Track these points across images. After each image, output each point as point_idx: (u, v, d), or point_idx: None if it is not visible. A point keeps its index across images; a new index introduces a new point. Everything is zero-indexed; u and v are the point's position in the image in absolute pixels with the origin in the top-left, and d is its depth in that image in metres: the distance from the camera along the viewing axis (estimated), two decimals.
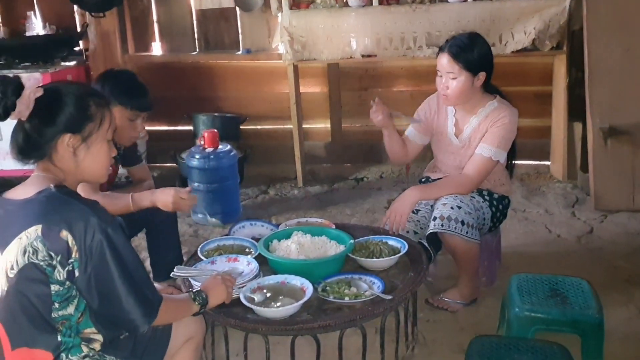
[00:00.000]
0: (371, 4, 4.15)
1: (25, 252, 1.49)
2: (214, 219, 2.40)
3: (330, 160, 4.94)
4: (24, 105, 1.52)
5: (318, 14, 4.18)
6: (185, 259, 2.86)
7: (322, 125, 4.95)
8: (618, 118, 3.79)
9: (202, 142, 3.84)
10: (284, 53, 4.25)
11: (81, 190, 1.90)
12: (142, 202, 2.42)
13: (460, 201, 2.57)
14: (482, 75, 2.63)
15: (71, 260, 1.48)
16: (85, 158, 1.61)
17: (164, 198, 2.40)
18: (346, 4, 4.19)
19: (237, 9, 4.72)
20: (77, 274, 1.50)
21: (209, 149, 3.79)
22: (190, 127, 4.76)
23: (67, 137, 1.57)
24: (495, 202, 2.73)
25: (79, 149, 1.60)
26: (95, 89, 1.71)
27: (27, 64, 4.37)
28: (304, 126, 4.65)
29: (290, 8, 4.18)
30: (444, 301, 2.69)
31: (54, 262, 1.48)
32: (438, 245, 2.71)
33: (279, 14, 4.27)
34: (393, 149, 2.83)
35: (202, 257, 2.27)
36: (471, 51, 2.58)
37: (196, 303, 1.71)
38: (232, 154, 3.86)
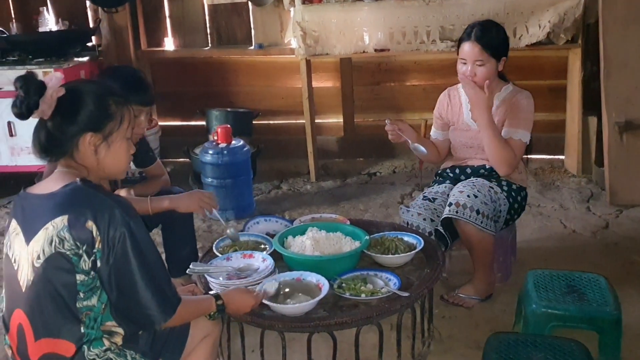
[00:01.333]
0: None
1: (52, 241, 1.52)
2: (231, 230, 2.43)
3: (342, 155, 4.93)
4: (47, 105, 1.55)
5: (331, 9, 4.16)
6: (200, 254, 2.88)
7: (334, 120, 4.95)
8: (634, 112, 3.75)
9: (216, 138, 3.84)
10: (296, 48, 4.24)
11: None
12: (161, 205, 2.46)
13: (478, 190, 2.57)
14: (503, 61, 2.69)
15: (95, 250, 1.51)
16: (106, 156, 1.64)
17: (190, 204, 2.47)
18: None
19: (250, 3, 4.70)
20: (99, 264, 1.52)
21: (222, 145, 3.79)
22: (203, 123, 4.77)
23: (89, 135, 1.61)
24: (513, 194, 2.72)
25: (100, 147, 1.63)
26: (115, 87, 1.72)
27: (40, 59, 4.40)
28: (316, 121, 4.64)
29: (303, 3, 4.17)
30: (459, 297, 2.68)
31: (80, 252, 1.51)
32: (455, 234, 2.70)
33: (292, 9, 4.26)
34: (425, 157, 2.89)
35: (218, 254, 2.28)
36: (496, 38, 2.66)
37: (214, 310, 1.73)
38: (245, 149, 3.87)
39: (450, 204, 2.55)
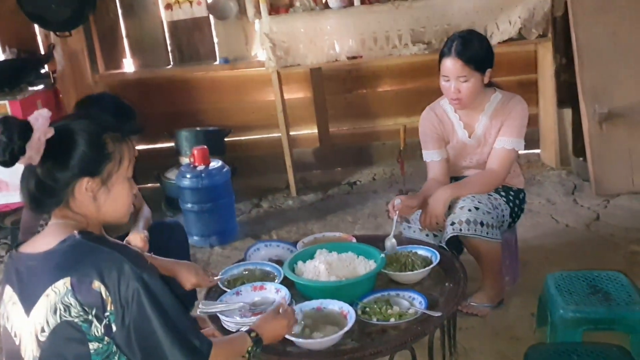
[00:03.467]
0: (352, 4, 4.04)
1: (56, 310, 1.33)
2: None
3: (320, 166, 4.82)
4: (35, 150, 1.34)
5: (299, 18, 4.05)
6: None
7: (309, 131, 4.83)
8: (611, 101, 3.77)
9: (192, 160, 3.67)
10: (266, 60, 4.11)
11: None
12: (159, 268, 2.16)
13: (479, 202, 2.49)
14: (489, 72, 2.57)
15: (107, 313, 1.33)
16: (107, 201, 1.46)
17: (186, 277, 2.07)
18: (327, 6, 4.08)
19: (211, 18, 4.55)
20: (114, 328, 1.34)
21: (200, 167, 3.62)
22: (171, 144, 4.58)
23: (85, 181, 1.42)
24: (512, 197, 2.66)
25: (99, 192, 1.44)
26: (110, 121, 1.52)
27: None
28: (290, 133, 4.52)
29: (270, 14, 4.04)
30: (472, 306, 2.60)
31: (90, 317, 1.33)
32: (458, 247, 2.62)
33: (257, 21, 4.13)
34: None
35: (224, 288, 2.12)
36: (478, 50, 2.52)
37: (250, 351, 1.56)
38: (224, 170, 3.70)
39: (453, 223, 2.46)
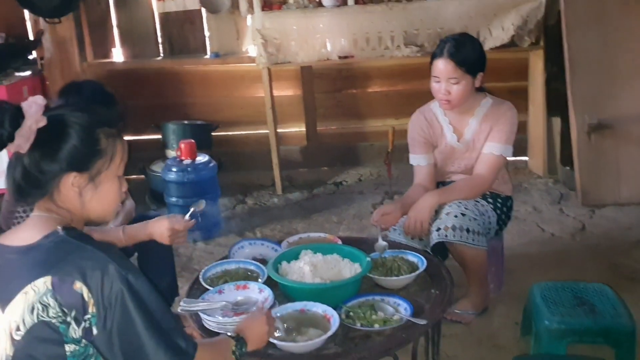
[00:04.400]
0: (346, 3, 4.02)
1: (33, 309, 1.27)
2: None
3: (306, 164, 4.78)
4: (24, 138, 1.29)
5: (291, 15, 4.01)
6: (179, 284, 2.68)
7: (296, 129, 4.79)
8: (600, 112, 3.78)
9: (179, 154, 3.62)
10: (257, 56, 4.07)
11: None
12: (137, 236, 2.11)
13: (465, 207, 2.48)
14: (480, 76, 2.56)
15: (87, 316, 1.28)
16: (92, 199, 1.39)
17: (159, 230, 2.09)
18: (320, 4, 4.05)
19: (203, 11, 4.50)
20: (95, 331, 1.29)
21: (187, 161, 3.57)
22: (157, 136, 4.52)
23: (72, 176, 1.35)
24: (499, 205, 2.65)
25: (86, 189, 1.38)
26: (107, 115, 1.45)
27: None
28: (278, 130, 4.48)
29: (262, 9, 4.00)
30: (456, 313, 2.59)
31: (68, 319, 1.28)
32: (444, 253, 2.61)
33: (249, 16, 4.10)
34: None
35: (207, 286, 2.08)
36: (470, 53, 2.51)
37: (235, 351, 1.52)
38: (211, 164, 3.66)
39: (439, 229, 2.44)
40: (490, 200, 2.63)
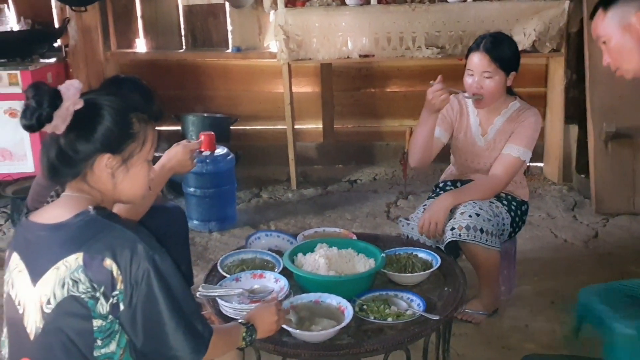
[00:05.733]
0: (369, 2, 4.04)
1: (64, 284, 1.33)
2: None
3: (322, 161, 4.82)
4: (62, 119, 1.34)
5: (314, 13, 4.05)
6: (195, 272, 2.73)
7: (313, 125, 4.83)
8: (619, 120, 3.77)
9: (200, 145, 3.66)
10: (278, 52, 4.11)
11: None
12: (160, 179, 2.14)
13: (480, 208, 2.50)
14: (512, 75, 2.61)
15: (115, 292, 1.33)
16: (124, 181, 1.45)
17: (180, 160, 2.14)
18: (343, 3, 4.08)
19: (227, 5, 4.54)
20: (121, 307, 1.34)
21: (207, 153, 3.61)
22: (177, 128, 4.58)
23: (106, 157, 1.40)
24: (514, 207, 2.67)
25: (118, 170, 1.43)
26: (139, 101, 1.50)
27: (2, 60, 4.13)
28: (295, 127, 4.51)
29: (286, 5, 4.04)
30: (467, 313, 2.61)
31: (97, 294, 1.33)
32: (456, 252, 2.63)
33: (272, 12, 4.13)
34: (425, 143, 2.62)
35: (224, 273, 2.13)
36: (506, 50, 2.57)
37: (245, 337, 1.57)
38: (229, 157, 3.71)
39: (453, 228, 2.46)
40: (505, 202, 2.65)
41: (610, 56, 1.91)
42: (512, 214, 2.65)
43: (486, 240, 2.46)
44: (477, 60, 2.54)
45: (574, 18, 4.03)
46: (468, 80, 2.59)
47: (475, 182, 2.66)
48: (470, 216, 2.46)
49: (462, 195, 2.58)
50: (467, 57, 2.61)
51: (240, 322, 1.63)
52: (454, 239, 2.47)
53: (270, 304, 1.72)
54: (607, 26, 1.88)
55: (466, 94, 2.60)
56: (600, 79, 3.83)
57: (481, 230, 2.45)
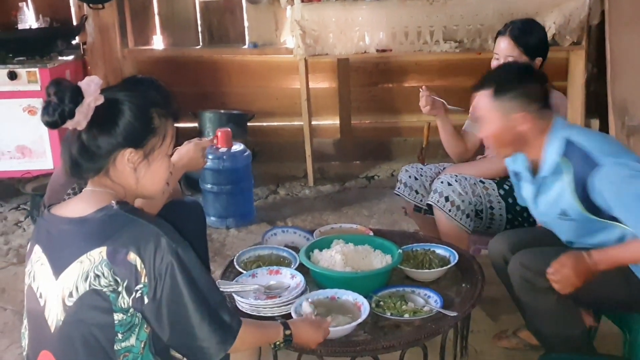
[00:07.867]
0: None
1: (87, 277, 1.34)
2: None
3: (339, 158, 4.80)
4: (83, 114, 1.36)
5: (331, 7, 4.02)
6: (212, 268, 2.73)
7: (330, 121, 4.81)
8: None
9: (216, 142, 3.67)
10: (295, 47, 4.09)
11: None
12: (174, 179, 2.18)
13: (456, 180, 2.55)
14: (538, 61, 2.59)
15: (139, 286, 1.34)
16: (145, 175, 1.46)
17: (193, 157, 2.18)
18: None
19: (243, 1, 4.54)
20: (145, 300, 1.35)
21: (223, 149, 3.62)
22: (194, 124, 4.59)
23: (128, 152, 1.42)
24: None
25: (140, 165, 1.44)
26: (158, 97, 1.51)
27: (21, 58, 4.16)
28: (312, 123, 4.50)
29: (302, 1, 4.02)
30: None
31: (119, 289, 1.34)
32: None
33: (289, 7, 4.12)
34: (448, 142, 2.75)
35: (240, 269, 2.13)
36: (531, 36, 2.57)
37: (279, 343, 1.57)
38: (246, 154, 3.71)
39: (434, 192, 2.57)
40: (507, 187, 2.56)
41: (483, 135, 2.09)
42: (511, 199, 2.55)
43: (449, 210, 2.50)
44: (502, 45, 2.55)
45: (595, 10, 3.95)
46: (494, 63, 2.59)
47: (478, 160, 2.72)
48: (442, 182, 2.55)
49: (460, 168, 2.67)
50: (494, 40, 2.64)
51: (282, 326, 1.60)
52: (429, 202, 2.57)
53: (323, 325, 1.70)
54: (491, 110, 2.02)
55: (451, 106, 2.71)
56: (622, 72, 3.76)
57: (446, 199, 2.51)
